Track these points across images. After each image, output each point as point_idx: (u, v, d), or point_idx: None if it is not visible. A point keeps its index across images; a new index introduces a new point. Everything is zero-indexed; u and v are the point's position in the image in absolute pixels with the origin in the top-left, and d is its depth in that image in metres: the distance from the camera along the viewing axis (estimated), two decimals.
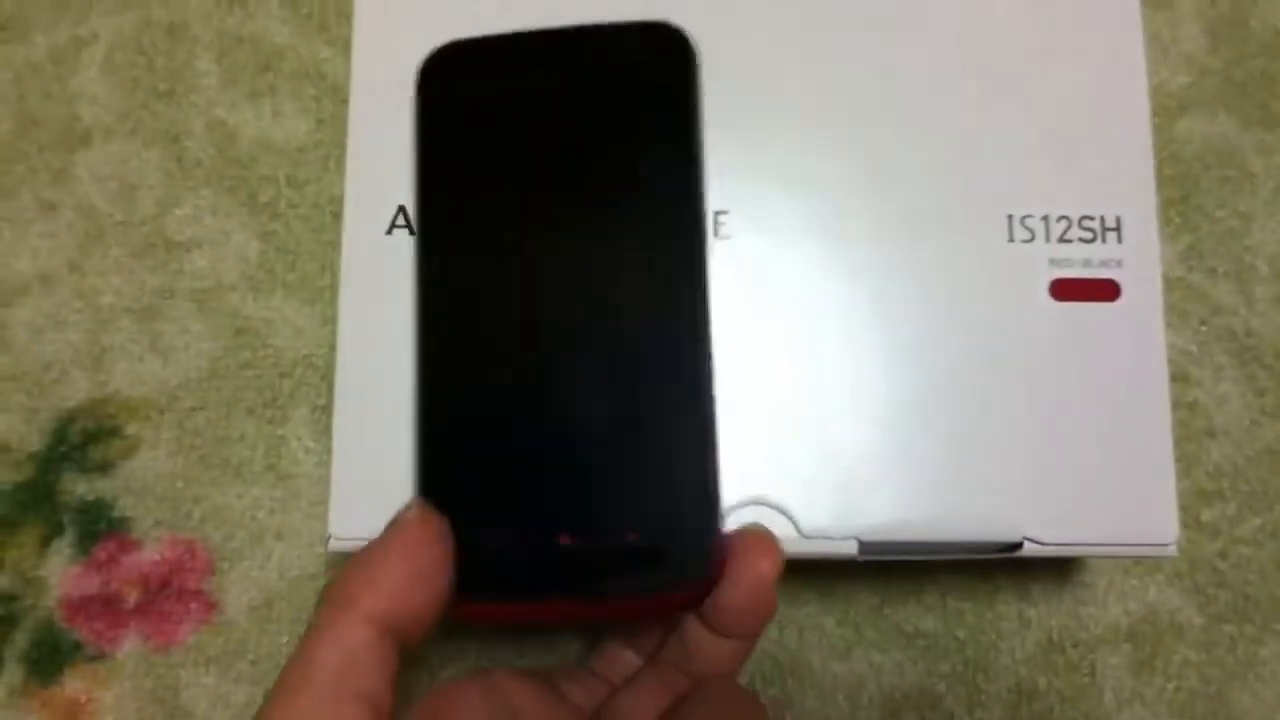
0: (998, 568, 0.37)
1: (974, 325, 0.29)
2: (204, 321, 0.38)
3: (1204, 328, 0.38)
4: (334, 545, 0.29)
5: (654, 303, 0.26)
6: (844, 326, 0.29)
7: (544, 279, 0.27)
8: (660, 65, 0.28)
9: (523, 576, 0.25)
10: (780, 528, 0.28)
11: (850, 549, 0.28)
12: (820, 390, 0.29)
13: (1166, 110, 0.40)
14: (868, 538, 0.28)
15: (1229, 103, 0.40)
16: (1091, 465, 0.29)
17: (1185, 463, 0.37)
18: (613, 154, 0.27)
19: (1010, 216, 0.30)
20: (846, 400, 0.29)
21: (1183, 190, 0.39)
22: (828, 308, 0.29)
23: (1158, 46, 0.41)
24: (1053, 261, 0.30)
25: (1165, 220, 0.39)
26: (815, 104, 0.30)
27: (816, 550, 0.28)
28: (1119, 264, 0.30)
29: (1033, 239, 0.30)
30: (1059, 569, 0.37)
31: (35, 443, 0.37)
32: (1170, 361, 0.38)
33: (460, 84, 0.28)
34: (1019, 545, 0.28)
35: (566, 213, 0.27)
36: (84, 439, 0.37)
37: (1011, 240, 0.30)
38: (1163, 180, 0.39)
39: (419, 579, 0.24)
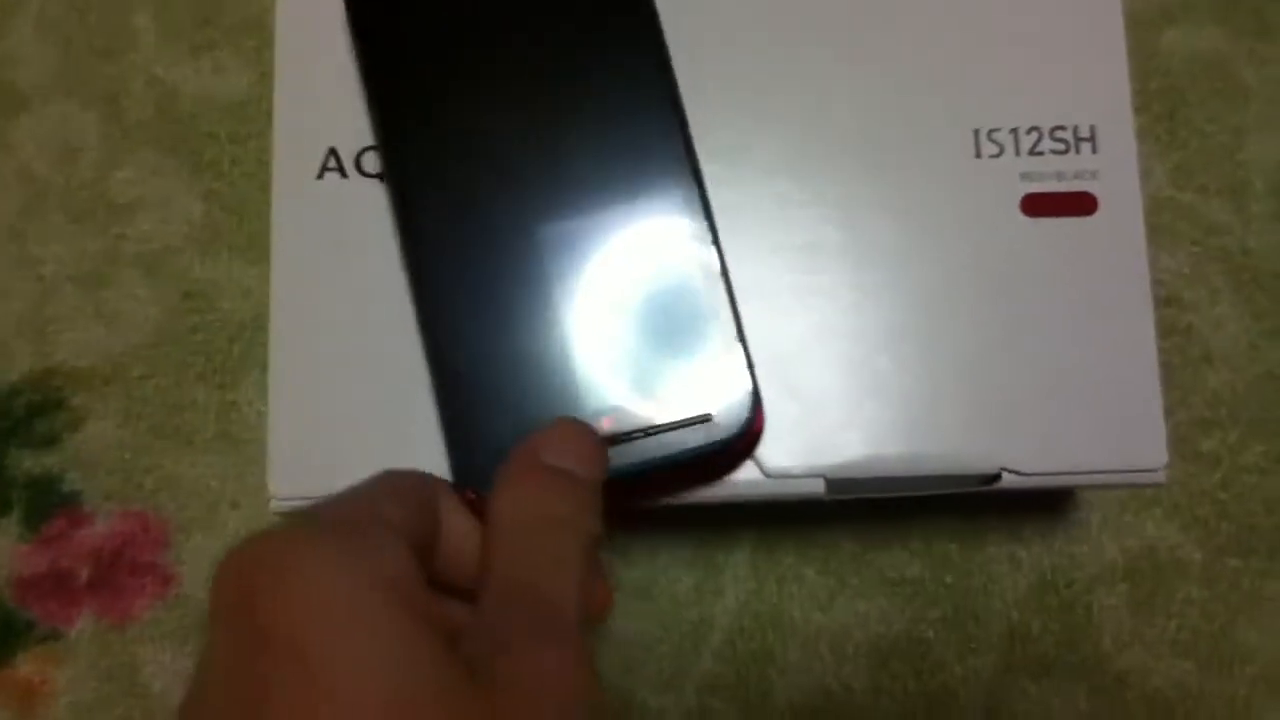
0: (985, 507, 0.35)
1: (943, 247, 0.28)
2: (149, 286, 0.36)
3: (1196, 249, 0.36)
4: (275, 506, 0.27)
5: (651, 178, 0.26)
6: (806, 254, 0.28)
7: (535, 174, 0.26)
8: None
9: None
10: (743, 470, 0.27)
11: (817, 488, 0.27)
12: (783, 321, 0.27)
13: (1150, 21, 0.38)
14: (836, 475, 0.27)
15: (1218, 11, 0.38)
16: (1073, 390, 0.27)
17: (1182, 391, 0.36)
18: (580, 57, 0.27)
19: (977, 131, 0.28)
20: (811, 331, 0.27)
21: (1170, 105, 0.37)
22: (790, 235, 0.28)
23: None
24: (1024, 176, 0.28)
25: (1153, 138, 0.37)
26: (773, 21, 0.29)
27: (782, 491, 0.27)
28: (1095, 175, 0.28)
29: (1001, 153, 0.28)
30: (1050, 506, 0.35)
31: None
32: (1162, 285, 0.36)
33: None
34: (997, 477, 0.27)
35: (554, 106, 0.27)
36: (29, 412, 0.36)
37: (979, 156, 0.28)
38: (1148, 95, 0.37)
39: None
